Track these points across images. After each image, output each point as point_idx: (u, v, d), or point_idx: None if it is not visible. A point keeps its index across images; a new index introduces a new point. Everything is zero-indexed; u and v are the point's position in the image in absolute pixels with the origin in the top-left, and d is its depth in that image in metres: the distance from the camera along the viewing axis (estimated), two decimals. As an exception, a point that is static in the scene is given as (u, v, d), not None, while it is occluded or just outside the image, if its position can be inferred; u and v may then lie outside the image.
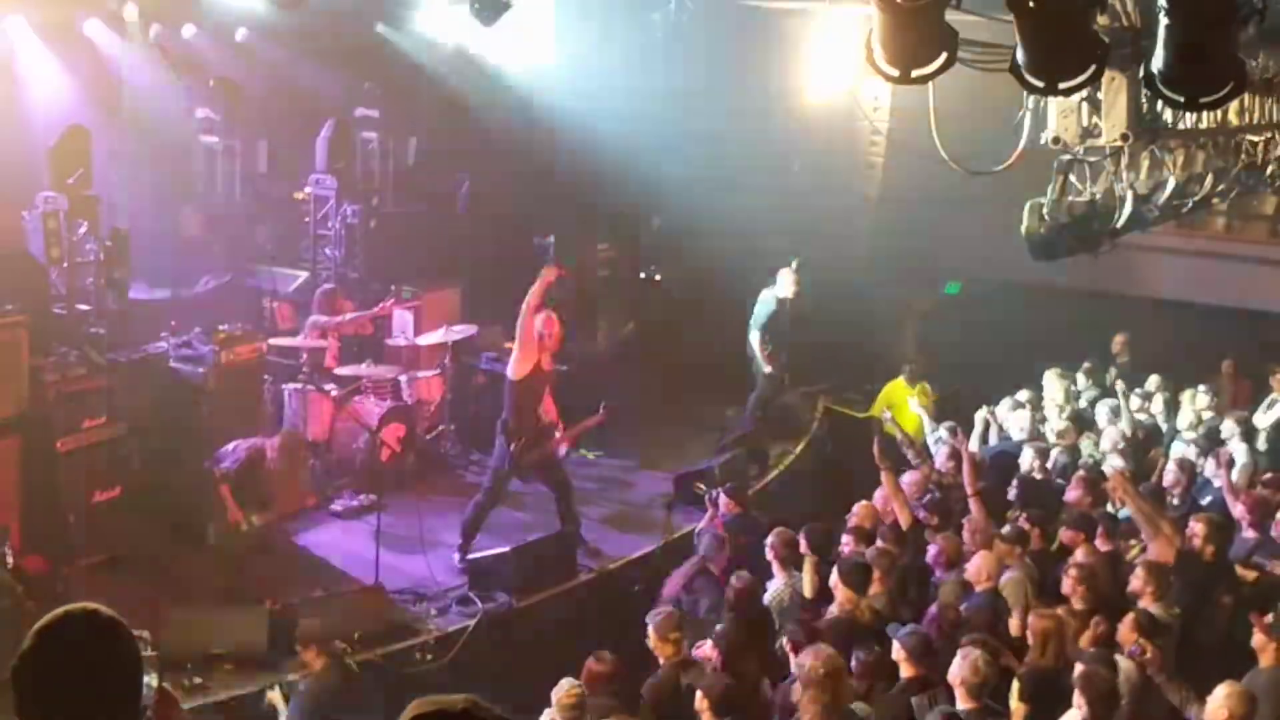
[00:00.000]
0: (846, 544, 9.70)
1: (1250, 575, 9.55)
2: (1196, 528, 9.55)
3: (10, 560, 8.99)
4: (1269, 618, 7.89)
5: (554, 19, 13.64)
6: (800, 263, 14.11)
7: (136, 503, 10.60)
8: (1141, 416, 13.31)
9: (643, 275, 16.95)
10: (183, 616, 8.92)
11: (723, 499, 10.78)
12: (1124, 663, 7.62)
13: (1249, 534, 10.14)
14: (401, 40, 14.06)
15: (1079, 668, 7.21)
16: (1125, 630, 7.88)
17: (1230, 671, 8.03)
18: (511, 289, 14.73)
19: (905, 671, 7.57)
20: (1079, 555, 9.40)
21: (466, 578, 10.66)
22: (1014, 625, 8.44)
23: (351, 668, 8.26)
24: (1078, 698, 6.93)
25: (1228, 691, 6.88)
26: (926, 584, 9.53)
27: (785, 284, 14.13)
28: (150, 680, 2.78)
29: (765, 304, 14.22)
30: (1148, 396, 13.73)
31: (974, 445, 12.05)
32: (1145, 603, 8.40)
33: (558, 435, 11.61)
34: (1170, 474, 11.40)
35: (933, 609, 8.44)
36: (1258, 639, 7.84)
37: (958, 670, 7.16)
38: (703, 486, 11.62)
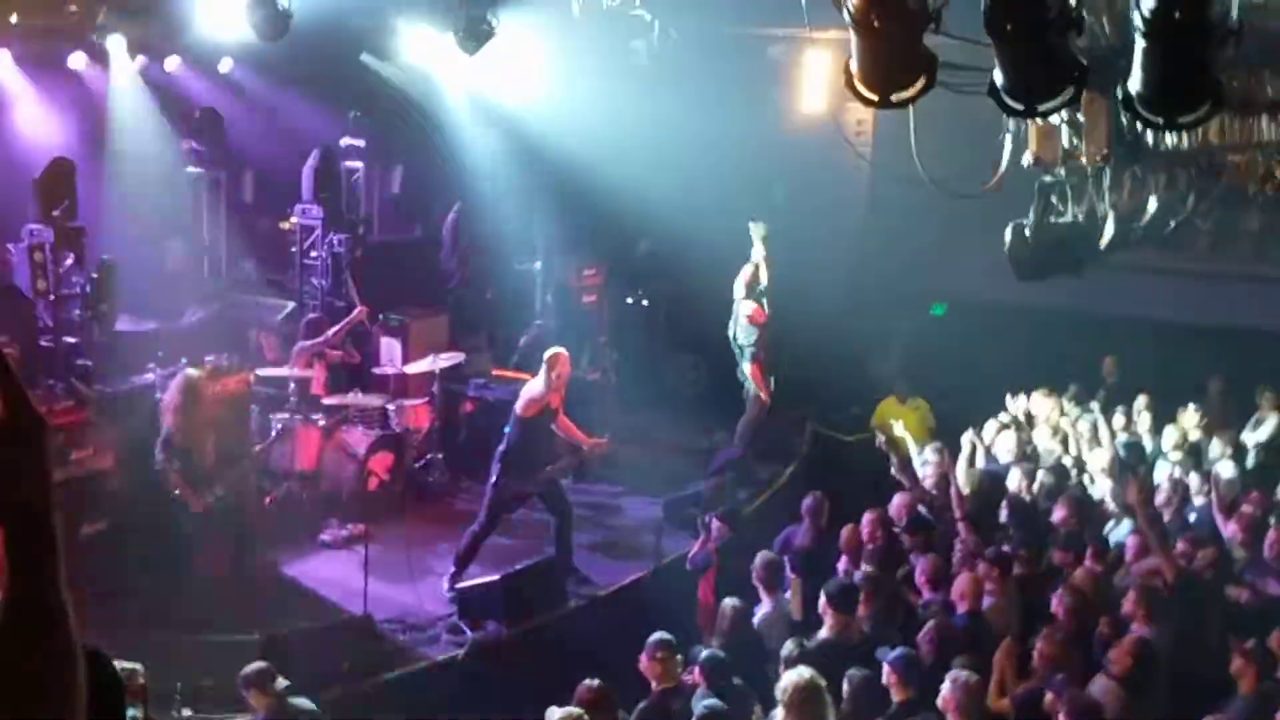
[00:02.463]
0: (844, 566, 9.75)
1: (1242, 594, 9.54)
2: (1186, 547, 9.57)
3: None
4: (1249, 643, 7.87)
5: (537, 47, 13.68)
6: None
7: (124, 534, 10.56)
8: (1126, 436, 13.32)
9: (630, 300, 16.98)
10: (172, 648, 8.88)
11: (715, 523, 10.76)
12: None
13: (1240, 553, 10.15)
14: (386, 69, 14.10)
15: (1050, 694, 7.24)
16: (1120, 654, 7.87)
17: (1222, 693, 8.04)
18: (499, 316, 14.77)
19: (897, 695, 7.56)
20: (1071, 576, 9.41)
21: (456, 606, 10.64)
22: (998, 657, 8.35)
23: (299, 707, 8.15)
24: None
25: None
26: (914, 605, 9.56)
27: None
28: (136, 713, 2.76)
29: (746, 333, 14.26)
30: (1135, 416, 13.74)
31: (961, 467, 12.04)
32: (1138, 625, 8.39)
33: (586, 446, 11.75)
34: (1162, 492, 11.41)
35: (925, 630, 8.43)
36: (1236, 664, 7.82)
37: (950, 694, 7.15)
38: (696, 511, 11.62)
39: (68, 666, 1.81)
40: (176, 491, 9.99)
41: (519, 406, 11.20)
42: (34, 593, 1.77)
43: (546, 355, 11.31)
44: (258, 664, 8.11)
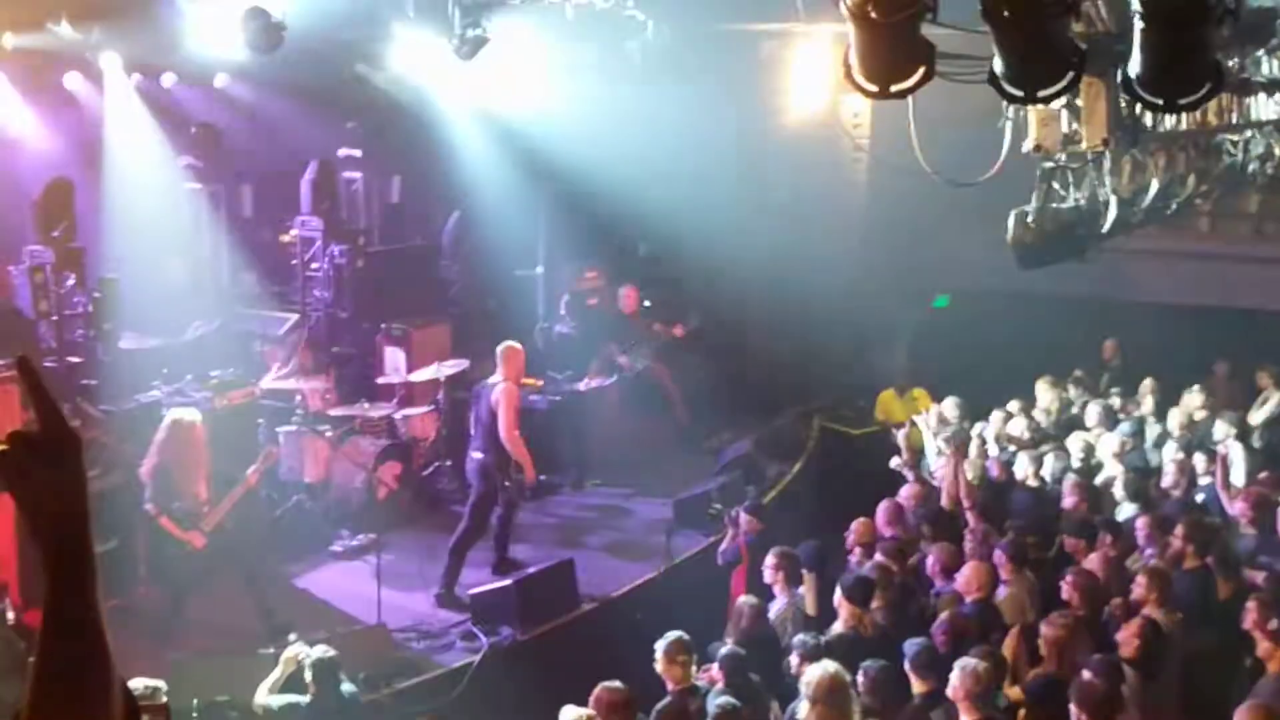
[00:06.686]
0: (855, 560, 9.75)
1: (1257, 577, 9.51)
2: (1177, 529, 9.56)
3: (11, 616, 8.95)
4: (1273, 624, 7.82)
5: (531, 51, 13.66)
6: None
7: (135, 553, 10.55)
8: (1133, 420, 13.31)
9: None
10: (187, 665, 8.89)
11: (744, 517, 10.70)
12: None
13: (1250, 533, 10.11)
14: (381, 79, 14.09)
15: (1078, 677, 7.21)
16: (1127, 635, 7.85)
17: (1233, 673, 8.01)
18: (501, 322, 14.75)
19: (918, 686, 7.56)
20: (1082, 561, 9.40)
21: (469, 612, 10.63)
22: (1008, 644, 8.34)
23: None
24: (1074, 709, 6.92)
25: (1250, 705, 6.85)
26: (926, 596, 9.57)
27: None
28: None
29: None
30: (1139, 401, 13.72)
31: (972, 457, 12.03)
32: (1149, 609, 8.38)
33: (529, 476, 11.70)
34: (1169, 475, 11.40)
35: (939, 621, 8.42)
36: (1264, 647, 7.78)
37: (959, 683, 7.14)
38: (719, 506, 11.55)
39: (104, 690, 1.77)
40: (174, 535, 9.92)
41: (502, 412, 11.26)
42: (74, 615, 1.73)
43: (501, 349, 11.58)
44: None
